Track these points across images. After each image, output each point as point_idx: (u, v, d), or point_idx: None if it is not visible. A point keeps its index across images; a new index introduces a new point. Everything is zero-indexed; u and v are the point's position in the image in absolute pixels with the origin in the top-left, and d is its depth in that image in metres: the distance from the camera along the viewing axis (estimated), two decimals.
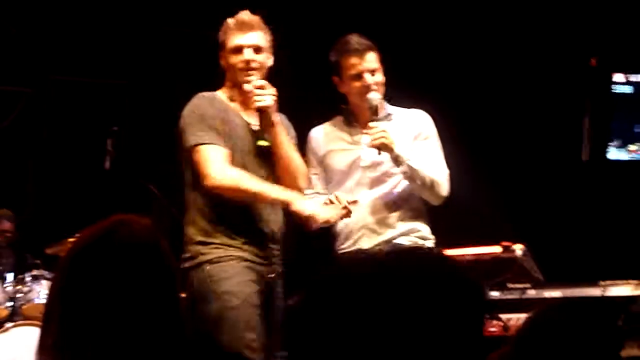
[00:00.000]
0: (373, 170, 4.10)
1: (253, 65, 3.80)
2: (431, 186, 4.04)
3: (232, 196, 3.69)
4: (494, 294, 4.63)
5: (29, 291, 5.65)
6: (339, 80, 4.11)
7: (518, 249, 4.71)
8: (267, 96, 3.75)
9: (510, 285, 4.69)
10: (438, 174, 4.08)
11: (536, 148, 6.90)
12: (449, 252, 4.61)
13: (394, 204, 4.10)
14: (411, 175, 3.99)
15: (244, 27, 3.83)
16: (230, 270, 3.69)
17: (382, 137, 3.93)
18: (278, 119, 3.82)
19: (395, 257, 1.33)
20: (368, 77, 4.02)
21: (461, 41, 7.04)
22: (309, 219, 3.73)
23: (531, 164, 6.89)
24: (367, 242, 4.06)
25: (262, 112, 3.76)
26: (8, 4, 7.42)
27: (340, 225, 4.13)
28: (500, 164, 6.87)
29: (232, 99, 3.89)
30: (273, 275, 3.82)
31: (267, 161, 3.86)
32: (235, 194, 3.69)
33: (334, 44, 4.14)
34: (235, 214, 3.77)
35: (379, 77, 4.06)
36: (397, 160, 3.99)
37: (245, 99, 3.84)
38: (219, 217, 3.76)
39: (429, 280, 1.31)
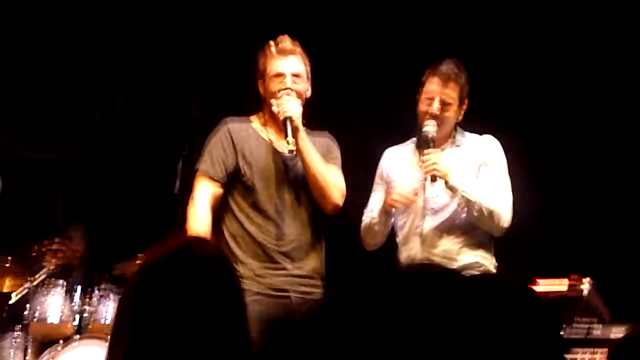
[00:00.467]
0: (437, 198, 4.08)
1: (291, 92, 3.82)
2: (490, 216, 3.98)
3: None
4: None
5: (96, 307, 5.72)
6: (418, 97, 4.11)
7: (586, 284, 4.62)
8: (293, 106, 3.75)
9: (577, 323, 4.60)
10: (499, 203, 4.02)
11: (606, 178, 6.77)
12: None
13: (456, 234, 4.06)
14: (467, 205, 3.96)
15: (284, 52, 3.83)
16: None
17: (434, 165, 3.92)
18: (303, 134, 3.78)
19: (475, 280, 1.34)
20: (436, 106, 4.01)
21: (541, 68, 6.97)
22: None
23: (600, 195, 6.76)
24: None
25: (288, 121, 3.74)
26: (79, 25, 7.59)
27: (402, 256, 4.11)
28: (570, 194, 6.75)
29: (265, 125, 3.93)
30: (296, 304, 3.74)
31: (294, 185, 3.86)
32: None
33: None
34: (249, 243, 3.82)
35: (450, 112, 4.04)
36: (451, 190, 3.97)
37: (278, 126, 3.86)
38: (235, 246, 3.83)
39: (510, 308, 1.30)
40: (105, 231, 7.51)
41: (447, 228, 4.05)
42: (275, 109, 3.79)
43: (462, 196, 3.95)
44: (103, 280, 5.91)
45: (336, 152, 4.00)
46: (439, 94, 4.01)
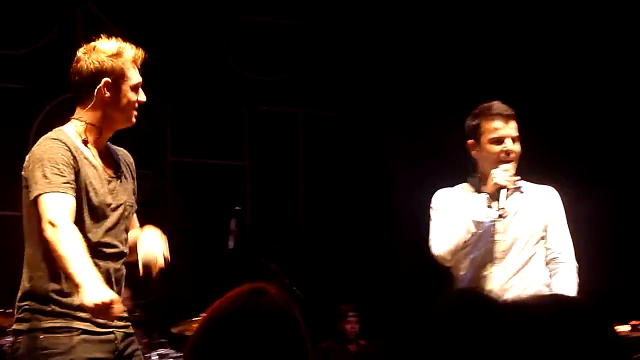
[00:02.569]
0: (502, 243, 4.01)
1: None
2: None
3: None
4: None
5: None
6: (474, 144, 4.03)
7: None
8: None
9: None
10: (572, 267, 4.02)
11: None
12: None
13: (525, 278, 4.00)
14: None
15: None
16: (65, 345, 3.19)
17: (508, 179, 3.90)
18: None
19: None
20: (509, 143, 3.97)
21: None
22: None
23: None
24: None
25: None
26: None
27: None
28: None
29: (85, 142, 3.36)
30: (127, 341, 3.30)
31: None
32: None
33: (474, 108, 4.08)
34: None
35: (518, 147, 4.00)
36: None
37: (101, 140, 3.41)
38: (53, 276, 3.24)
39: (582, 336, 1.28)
40: (161, 293, 7.54)
41: (516, 271, 3.99)
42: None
43: None
44: (161, 342, 5.91)
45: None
46: (506, 130, 3.97)
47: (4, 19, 7.58)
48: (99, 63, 3.32)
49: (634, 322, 4.61)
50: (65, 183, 3.21)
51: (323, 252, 7.99)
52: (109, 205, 3.36)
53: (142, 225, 3.62)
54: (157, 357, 5.76)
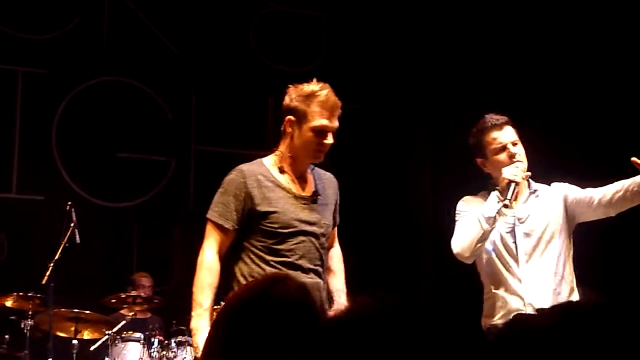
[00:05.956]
0: (528, 242, 4.03)
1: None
2: None
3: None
4: None
5: (174, 357, 5.73)
6: (482, 160, 4.12)
7: None
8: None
9: None
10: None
11: None
12: None
13: (550, 276, 3.99)
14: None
15: (333, 109, 3.70)
16: None
17: (515, 173, 3.96)
18: None
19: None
20: (511, 147, 4.03)
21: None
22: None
23: None
24: None
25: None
26: (149, 74, 7.73)
27: (491, 300, 4.05)
28: None
29: (282, 170, 3.78)
30: None
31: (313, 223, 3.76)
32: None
33: (472, 127, 4.17)
34: None
35: (521, 149, 4.08)
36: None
37: (296, 168, 3.78)
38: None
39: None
40: (181, 281, 7.55)
41: (542, 269, 4.00)
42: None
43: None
44: (180, 329, 5.92)
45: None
46: (504, 137, 4.07)
47: (30, 4, 7.60)
48: (289, 101, 3.70)
49: None
50: (227, 213, 3.64)
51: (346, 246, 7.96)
52: (301, 222, 3.69)
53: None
54: (175, 344, 5.77)
